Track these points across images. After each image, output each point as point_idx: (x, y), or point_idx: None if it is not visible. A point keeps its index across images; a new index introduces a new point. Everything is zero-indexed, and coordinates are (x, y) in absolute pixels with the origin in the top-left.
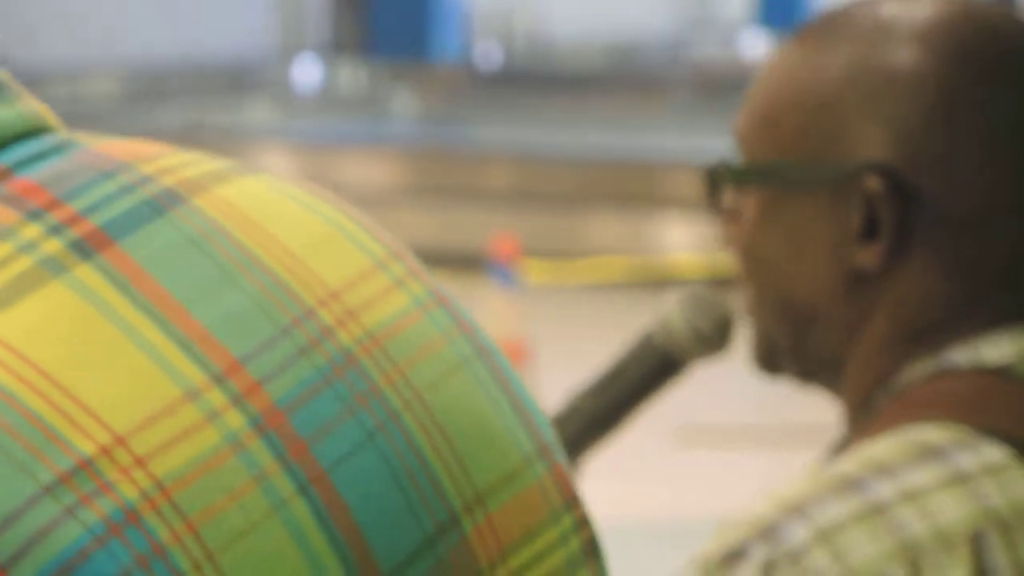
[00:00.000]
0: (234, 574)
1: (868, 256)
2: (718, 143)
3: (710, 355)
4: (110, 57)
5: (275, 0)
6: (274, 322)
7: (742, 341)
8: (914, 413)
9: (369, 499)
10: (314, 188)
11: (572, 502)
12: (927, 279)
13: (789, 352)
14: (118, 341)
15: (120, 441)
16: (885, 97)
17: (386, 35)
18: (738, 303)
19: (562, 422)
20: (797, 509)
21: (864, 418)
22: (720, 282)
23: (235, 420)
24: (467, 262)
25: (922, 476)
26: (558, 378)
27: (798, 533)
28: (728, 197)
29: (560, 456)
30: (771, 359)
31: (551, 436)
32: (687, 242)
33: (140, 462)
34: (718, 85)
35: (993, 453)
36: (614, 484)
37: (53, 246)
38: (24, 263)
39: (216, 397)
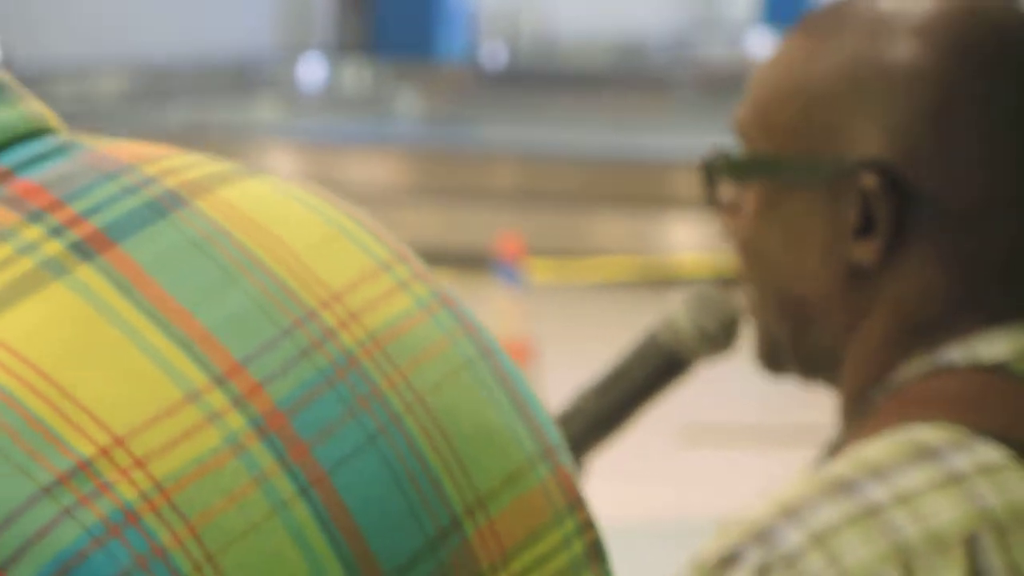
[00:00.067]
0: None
1: (865, 252)
2: (724, 142)
3: (715, 354)
4: (114, 55)
5: None
6: (276, 323)
7: (747, 340)
8: (909, 412)
9: (370, 502)
10: (318, 189)
11: (576, 504)
12: (925, 274)
13: (790, 348)
14: (119, 342)
15: (119, 442)
16: (882, 93)
17: (391, 34)
18: (742, 301)
19: (567, 421)
20: (791, 512)
21: (859, 416)
22: (726, 281)
23: (236, 421)
24: (472, 261)
25: (916, 478)
26: (563, 377)
27: (792, 536)
28: (728, 191)
29: (565, 457)
30: (774, 357)
31: (556, 437)
32: (692, 241)
33: (139, 463)
34: (724, 84)
35: (988, 453)
36: (619, 484)
37: (54, 247)
38: (25, 265)
39: (217, 398)
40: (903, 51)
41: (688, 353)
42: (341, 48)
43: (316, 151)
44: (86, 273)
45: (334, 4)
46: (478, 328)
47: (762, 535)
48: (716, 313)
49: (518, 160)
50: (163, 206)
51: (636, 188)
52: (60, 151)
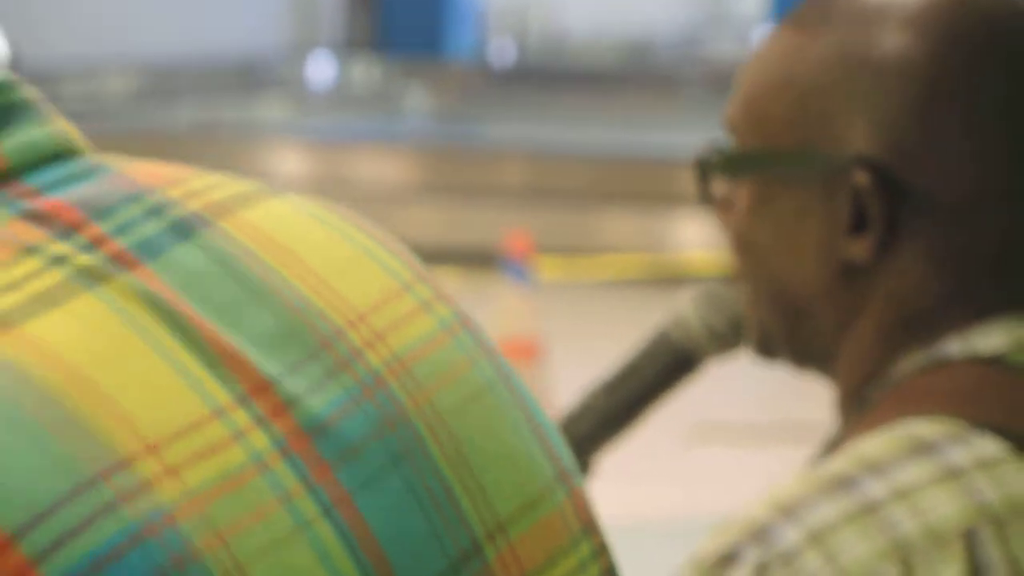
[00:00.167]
0: None
1: (858, 249)
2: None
3: (724, 352)
4: (123, 55)
5: None
6: (303, 343)
7: None
8: (907, 407)
9: (393, 523)
10: (339, 209)
11: (590, 528)
12: (917, 268)
13: (784, 343)
14: (147, 355)
15: (154, 448)
16: (872, 87)
17: (400, 32)
18: (739, 297)
19: (576, 419)
20: (789, 510)
21: (857, 412)
22: (734, 279)
23: (259, 441)
24: (480, 259)
25: (914, 473)
26: (571, 375)
27: (790, 535)
28: (722, 187)
29: (578, 480)
30: (766, 346)
31: (569, 460)
32: (701, 239)
33: (173, 470)
34: (732, 82)
35: (986, 447)
36: (627, 482)
37: (84, 261)
38: (55, 276)
39: (240, 417)
40: (893, 43)
41: (697, 351)
42: (349, 46)
43: (324, 149)
44: (116, 287)
45: (343, 2)
46: (495, 350)
47: (760, 534)
48: (725, 311)
49: (527, 157)
50: (187, 227)
51: (645, 185)
52: (87, 173)
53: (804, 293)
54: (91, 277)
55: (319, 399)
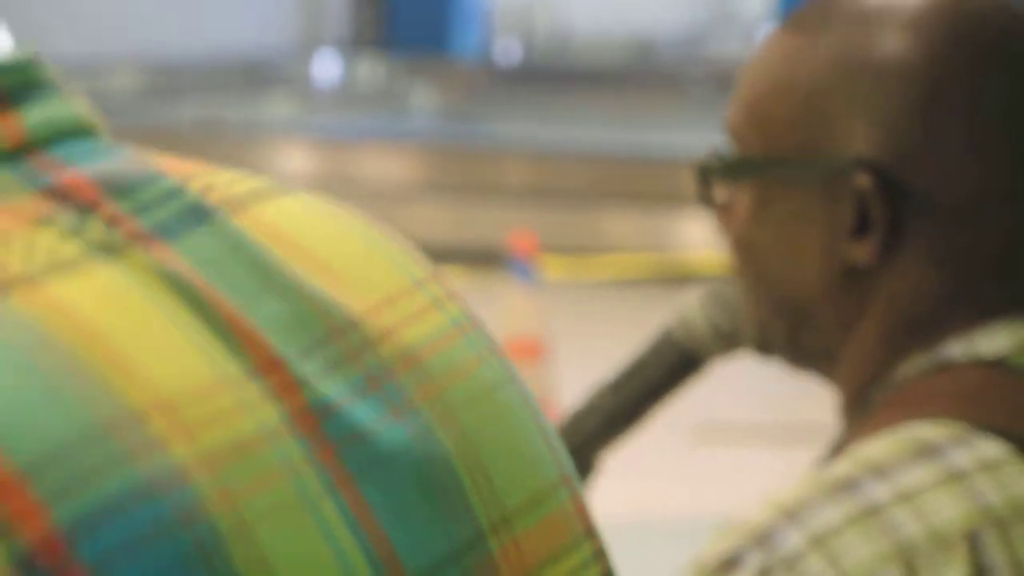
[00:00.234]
0: (269, 546)
1: (861, 252)
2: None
3: (729, 352)
4: (128, 53)
5: None
6: (313, 331)
7: None
8: (910, 410)
9: (396, 507)
10: (348, 208)
11: (591, 532)
12: (919, 270)
13: (785, 346)
14: (163, 324)
15: (166, 408)
16: (873, 89)
17: (406, 30)
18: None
19: (582, 418)
20: (791, 513)
21: (860, 415)
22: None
23: (268, 414)
24: (485, 258)
25: (917, 476)
26: (576, 374)
27: (792, 539)
28: (722, 191)
29: (579, 486)
30: (764, 343)
31: (570, 466)
32: (706, 239)
33: (185, 430)
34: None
35: (989, 449)
36: (633, 482)
37: (100, 234)
38: (72, 247)
39: (252, 390)
40: (893, 46)
41: (702, 351)
42: (355, 44)
43: (330, 147)
44: (132, 262)
45: (349, 0)
46: (503, 352)
47: (762, 537)
48: (730, 311)
49: (532, 157)
50: (204, 214)
51: (649, 185)
52: (107, 151)
53: (805, 296)
54: (108, 251)
55: (328, 384)
